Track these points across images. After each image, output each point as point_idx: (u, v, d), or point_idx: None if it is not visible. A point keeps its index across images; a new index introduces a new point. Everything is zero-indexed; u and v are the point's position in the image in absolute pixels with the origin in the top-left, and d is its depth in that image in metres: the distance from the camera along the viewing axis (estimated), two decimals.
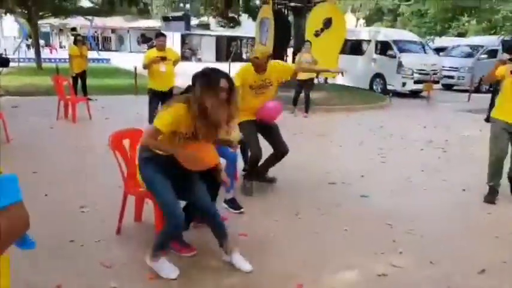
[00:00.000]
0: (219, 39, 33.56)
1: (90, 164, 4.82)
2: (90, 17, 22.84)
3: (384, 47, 13.06)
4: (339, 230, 3.34)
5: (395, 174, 4.88)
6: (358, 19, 33.15)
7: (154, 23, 34.75)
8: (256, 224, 3.37)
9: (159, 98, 5.77)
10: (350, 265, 2.77)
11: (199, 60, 32.20)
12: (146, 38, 36.60)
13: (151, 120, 6.99)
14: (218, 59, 31.52)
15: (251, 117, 3.85)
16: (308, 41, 8.90)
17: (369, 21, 32.34)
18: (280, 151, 3.97)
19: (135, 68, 11.77)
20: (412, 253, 2.95)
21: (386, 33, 14.15)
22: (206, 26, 34.79)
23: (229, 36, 33.34)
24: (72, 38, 43.56)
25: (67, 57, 9.93)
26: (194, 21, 35.03)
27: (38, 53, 17.96)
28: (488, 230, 3.48)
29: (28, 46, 27.55)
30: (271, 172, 4.32)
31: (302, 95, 8.74)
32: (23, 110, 8.17)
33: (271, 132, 3.99)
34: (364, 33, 14.85)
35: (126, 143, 3.10)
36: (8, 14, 19.47)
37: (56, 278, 2.47)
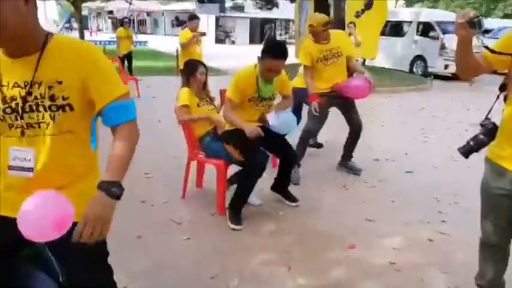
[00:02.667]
0: (253, 21, 33.49)
1: (145, 137, 5.18)
2: (129, 0, 23.39)
3: (425, 28, 12.73)
4: (386, 201, 3.52)
5: (439, 152, 4.96)
6: (397, 0, 32.11)
7: (188, 5, 35.05)
8: (306, 194, 3.60)
9: None
10: (398, 231, 2.96)
11: (233, 43, 32.35)
12: (180, 21, 37.05)
13: None
14: (252, 41, 31.55)
15: (326, 89, 3.75)
16: (352, 22, 8.88)
17: (409, 2, 31.25)
18: (353, 129, 3.99)
19: (177, 50, 12.15)
20: (458, 223, 3.10)
21: (428, 14, 13.75)
22: (240, 9, 34.73)
23: (264, 19, 33.20)
24: (109, 20, 44.33)
25: (106, 39, 10.38)
26: (228, 4, 35.05)
27: (82, 35, 18.70)
28: None
29: (67, 29, 28.58)
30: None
31: None
32: None
33: (347, 108, 3.94)
34: (405, 14, 14.49)
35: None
36: None
37: (136, 231, 2.82)
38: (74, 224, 1.17)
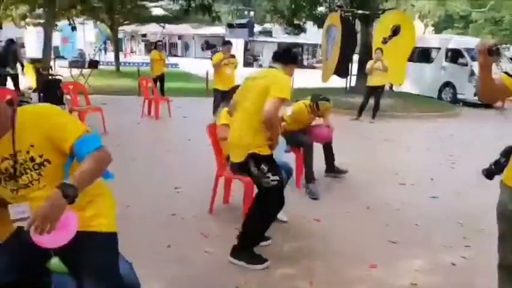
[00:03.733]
0: (280, 46, 34.11)
1: (176, 154, 5.44)
2: (162, 24, 24.43)
3: (454, 55, 12.69)
4: (409, 224, 3.55)
5: (466, 179, 4.92)
6: (426, 26, 32.04)
7: (218, 29, 36.18)
8: (329, 213, 3.68)
9: (221, 95, 6.60)
10: (420, 254, 2.99)
11: (261, 66, 32.98)
12: (210, 45, 38.19)
13: (214, 113, 7.82)
14: None
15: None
16: (379, 48, 9.01)
17: (438, 28, 31.12)
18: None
19: (207, 72, 12.61)
20: (481, 248, 3.07)
21: (457, 40, 13.72)
22: (269, 33, 35.55)
23: (291, 43, 33.79)
24: (143, 43, 45.80)
25: (139, 61, 10.91)
26: (257, 28, 35.95)
27: (117, 56, 19.65)
28: None
29: (101, 50, 30.00)
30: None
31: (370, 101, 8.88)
32: (110, 107, 9.12)
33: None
34: (433, 40, 14.51)
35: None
36: (93, 21, 21.50)
37: (166, 241, 2.98)
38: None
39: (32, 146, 1.46)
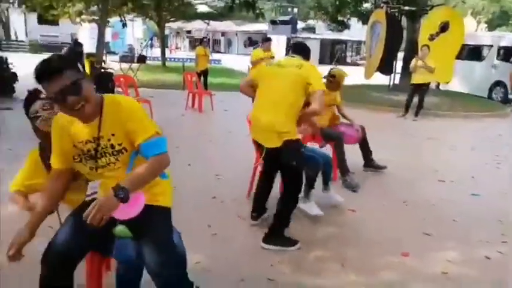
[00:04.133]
0: (323, 42, 33.77)
1: (217, 145, 5.69)
2: (207, 21, 24.99)
3: (507, 53, 12.09)
4: (447, 219, 3.53)
5: (511, 180, 4.78)
6: (479, 23, 30.49)
7: (261, 26, 36.40)
8: (364, 205, 3.74)
9: None
10: (455, 246, 3.00)
11: None
12: (252, 41, 38.49)
13: None
14: (322, 61, 31.77)
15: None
16: (426, 45, 8.80)
17: (491, 26, 29.53)
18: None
19: (248, 68, 12.83)
20: None
21: (511, 38, 13.04)
22: (312, 30, 35.29)
23: (334, 40, 33.35)
24: (187, 39, 46.79)
25: (184, 56, 11.31)
26: (300, 25, 35.79)
27: (163, 52, 20.36)
28: None
29: (148, 46, 31.12)
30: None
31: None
32: (156, 100, 9.55)
33: None
34: (485, 37, 13.86)
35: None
36: (141, 18, 22.39)
37: (207, 221, 3.19)
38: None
39: (113, 135, 1.65)
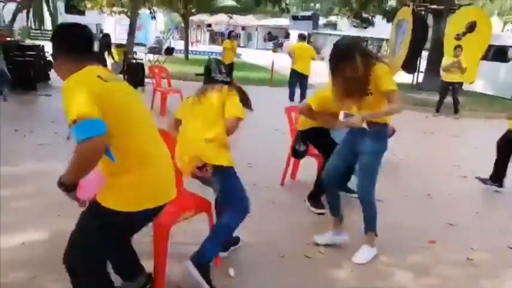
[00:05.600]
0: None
1: (244, 136, 5.93)
2: (230, 15, 25.19)
3: None
4: (470, 212, 3.71)
5: None
6: (505, 23, 29.84)
7: (282, 21, 36.38)
8: (389, 195, 3.93)
9: (297, 78, 8.82)
10: (478, 236, 3.18)
11: (322, 59, 32.77)
12: (272, 36, 38.50)
13: (291, 96, 8.81)
14: None
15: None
16: (460, 45, 8.89)
17: None
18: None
19: (272, 63, 13.04)
20: None
21: None
22: (333, 26, 35.10)
23: (356, 37, 33.17)
24: (208, 33, 46.89)
25: (206, 50, 11.51)
26: (322, 21, 35.62)
27: (186, 45, 20.69)
28: None
29: (168, 39, 31.54)
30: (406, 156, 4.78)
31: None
32: (184, 91, 9.87)
33: None
34: (511, 38, 13.71)
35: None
36: (163, 11, 22.75)
37: None
38: None
39: None
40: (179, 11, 20.25)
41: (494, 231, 3.31)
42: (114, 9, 15.34)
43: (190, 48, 24.87)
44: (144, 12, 17.31)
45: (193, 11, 20.79)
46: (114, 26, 22.35)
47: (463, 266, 2.72)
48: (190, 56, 20.46)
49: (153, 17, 13.71)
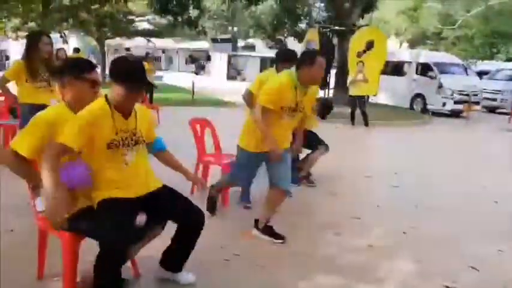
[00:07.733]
0: (263, 60, 34.93)
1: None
2: (149, 38, 25.04)
3: (424, 68, 13.68)
4: (372, 206, 4.19)
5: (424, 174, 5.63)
6: (401, 42, 33.58)
7: (203, 44, 36.97)
8: (302, 195, 4.29)
9: None
10: (379, 226, 3.62)
11: (244, 79, 33.79)
12: (194, 58, 38.89)
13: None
14: None
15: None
16: (361, 61, 9.90)
17: (413, 45, 32.66)
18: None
19: (193, 83, 13.26)
20: None
21: (427, 55, 14.78)
22: (252, 48, 36.49)
23: (273, 58, 34.72)
24: None
25: None
26: (240, 43, 36.86)
27: (104, 68, 20.09)
28: None
29: None
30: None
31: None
32: None
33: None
34: (405, 55, 15.55)
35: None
36: (77, 34, 21.94)
37: None
38: None
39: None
40: (93, 34, 19.70)
41: (391, 220, 3.80)
42: (20, 33, 14.44)
43: (108, 72, 24.19)
44: (54, 36, 16.52)
45: (108, 34, 20.35)
46: (21, 51, 20.94)
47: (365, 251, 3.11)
48: (108, 80, 19.86)
49: (65, 41, 13.17)
